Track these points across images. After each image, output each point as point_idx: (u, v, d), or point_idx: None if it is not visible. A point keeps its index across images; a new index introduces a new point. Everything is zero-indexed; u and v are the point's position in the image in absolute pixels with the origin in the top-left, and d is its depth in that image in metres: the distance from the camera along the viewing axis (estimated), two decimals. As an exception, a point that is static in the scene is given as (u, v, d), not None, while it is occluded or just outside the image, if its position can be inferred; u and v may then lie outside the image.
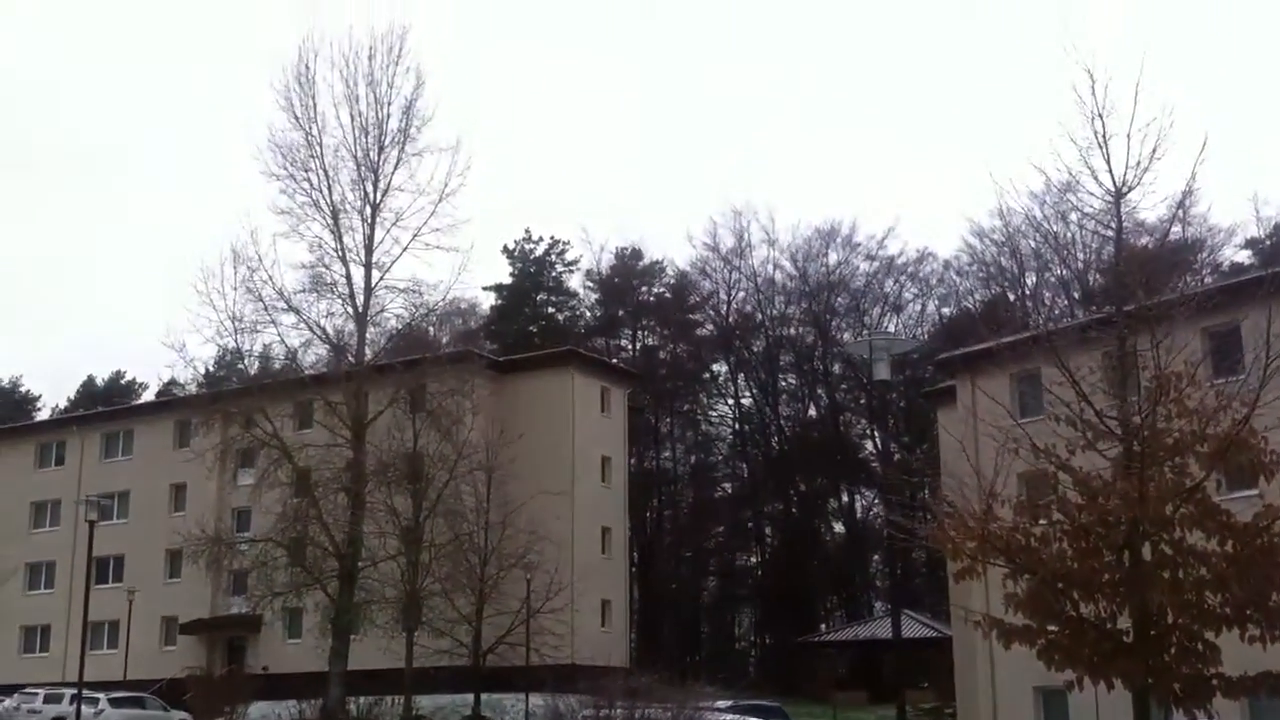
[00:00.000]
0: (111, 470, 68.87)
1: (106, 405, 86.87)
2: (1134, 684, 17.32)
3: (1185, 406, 17.50)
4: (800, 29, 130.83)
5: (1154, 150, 18.50)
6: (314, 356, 50.68)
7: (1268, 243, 66.12)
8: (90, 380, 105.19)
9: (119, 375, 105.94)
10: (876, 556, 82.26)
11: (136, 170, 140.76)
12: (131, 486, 67.57)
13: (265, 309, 46.86)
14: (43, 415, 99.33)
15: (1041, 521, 18.05)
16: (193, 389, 67.24)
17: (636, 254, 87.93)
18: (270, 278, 46.72)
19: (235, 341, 47.72)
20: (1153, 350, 18.05)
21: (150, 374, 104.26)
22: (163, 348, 49.65)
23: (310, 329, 47.87)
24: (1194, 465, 17.33)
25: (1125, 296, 18.94)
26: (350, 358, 48.15)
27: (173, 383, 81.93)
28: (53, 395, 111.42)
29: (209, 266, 46.96)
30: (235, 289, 46.44)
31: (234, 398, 49.35)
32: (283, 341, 48.52)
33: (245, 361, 50.03)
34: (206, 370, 60.34)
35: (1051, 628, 17.70)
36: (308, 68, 48.69)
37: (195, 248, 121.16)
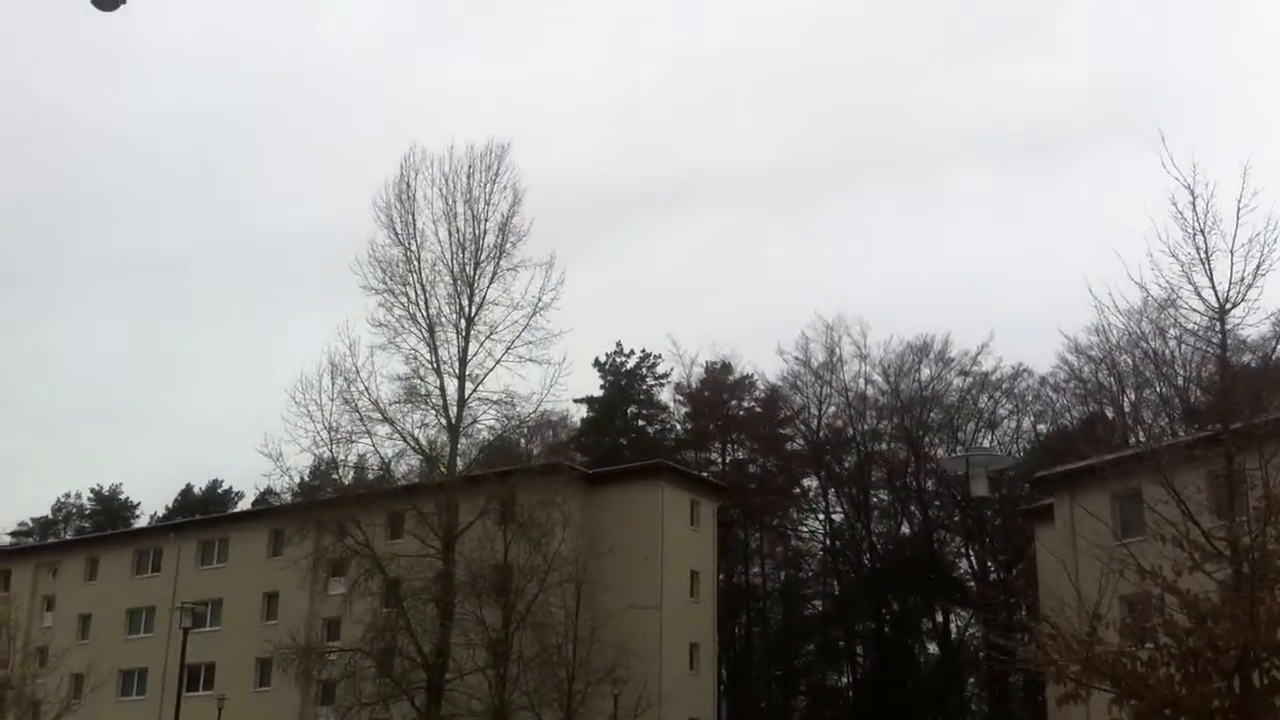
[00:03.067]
0: (206, 578, 69.65)
1: (203, 513, 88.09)
2: (1248, 816, 16.62)
3: (1296, 528, 17.03)
4: (891, 154, 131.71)
5: (1258, 267, 18.28)
6: (406, 467, 51.28)
7: (1376, 361, 64.46)
8: (189, 488, 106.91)
9: (216, 484, 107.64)
10: (972, 679, 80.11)
11: (240, 280, 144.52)
12: (225, 594, 68.21)
13: (361, 419, 47.70)
14: (141, 522, 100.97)
15: (1148, 645, 17.55)
16: (288, 498, 68.17)
17: (726, 368, 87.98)
18: (366, 389, 47.66)
19: (331, 451, 48.55)
20: (1261, 469, 17.62)
21: (247, 483, 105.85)
22: (260, 457, 50.40)
23: (404, 439, 48.56)
24: (1306, 588, 16.80)
25: (1231, 415, 18.57)
26: (442, 468, 48.57)
27: (269, 491, 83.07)
28: (151, 503, 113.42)
29: (307, 377, 47.98)
30: (332, 400, 47.44)
31: (327, 507, 49.91)
32: (377, 452, 49.27)
33: (340, 471, 50.73)
34: (301, 479, 61.14)
35: (1160, 756, 17.10)
36: (409, 185, 50.16)
37: (295, 359, 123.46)
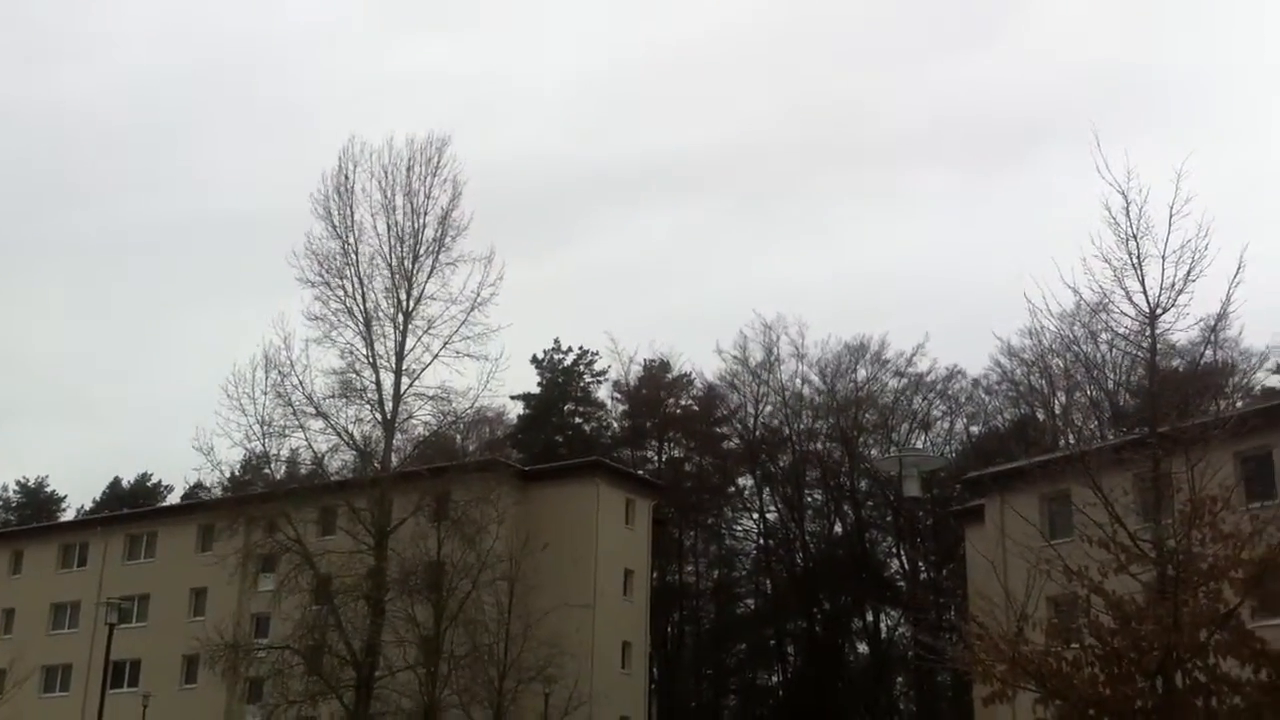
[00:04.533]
0: (133, 573, 68.68)
1: (132, 507, 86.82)
2: (1169, 816, 16.84)
3: (1220, 531, 17.26)
4: (834, 155, 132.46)
5: (1189, 273, 18.50)
6: (340, 462, 50.74)
7: (1300, 368, 65.66)
8: (116, 482, 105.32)
9: (145, 477, 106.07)
10: (901, 678, 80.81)
11: (171, 270, 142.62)
12: (152, 590, 67.31)
13: (294, 414, 47.16)
14: (67, 516, 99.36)
15: (1073, 646, 17.73)
16: (218, 493, 67.34)
17: (665, 366, 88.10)
18: (301, 383, 47.11)
19: (263, 445, 47.93)
20: (1187, 473, 17.86)
21: (177, 477, 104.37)
22: (191, 451, 49.74)
23: (338, 434, 48.05)
24: (1228, 591, 17.04)
25: (1159, 419, 18.79)
26: (376, 464, 48.19)
27: (199, 486, 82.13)
28: (79, 496, 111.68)
29: (241, 370, 47.33)
30: (265, 393, 46.83)
31: (258, 502, 49.34)
32: (310, 447, 48.69)
33: (271, 466, 50.15)
34: (232, 474, 60.42)
35: (1083, 756, 17.27)
36: (347, 178, 49.67)
37: (231, 351, 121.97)
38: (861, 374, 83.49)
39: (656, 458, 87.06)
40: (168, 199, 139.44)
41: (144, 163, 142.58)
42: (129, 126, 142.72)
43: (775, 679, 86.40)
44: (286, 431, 47.69)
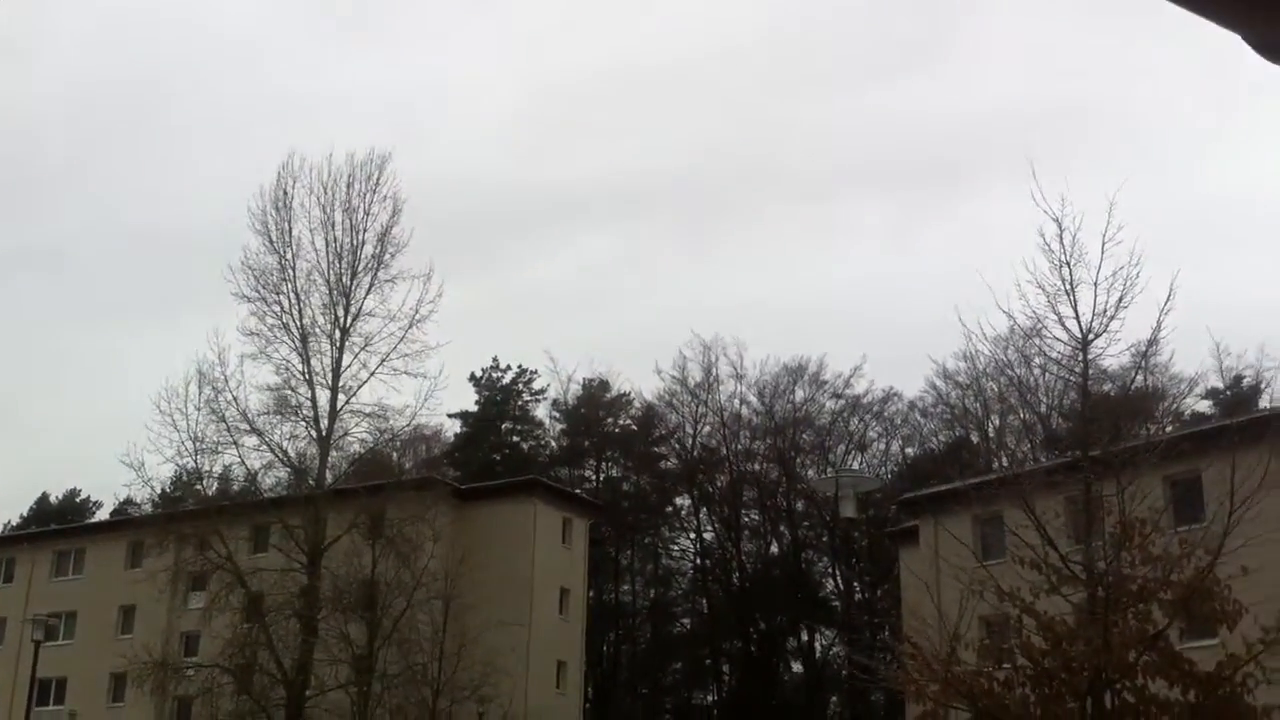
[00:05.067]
0: (60, 589, 67.48)
1: (60, 523, 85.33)
2: (1098, 836, 17.01)
3: (1149, 553, 17.52)
4: (775, 178, 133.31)
5: (1120, 299, 18.78)
6: (274, 479, 50.23)
7: (1228, 393, 66.87)
8: (44, 497, 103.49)
9: (74, 493, 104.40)
10: (835, 698, 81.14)
11: (105, 283, 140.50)
12: (79, 607, 66.19)
13: (228, 430, 46.63)
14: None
15: (1005, 666, 17.90)
16: (148, 509, 66.37)
17: (604, 385, 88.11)
18: (235, 399, 46.59)
19: (195, 462, 47.37)
20: (1118, 496, 18.10)
21: (107, 493, 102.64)
22: (121, 466, 48.96)
23: (272, 451, 47.57)
24: (1157, 613, 17.28)
25: (1090, 442, 19.04)
26: (311, 481, 47.73)
27: (129, 502, 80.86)
28: (5, 511, 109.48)
29: (173, 385, 46.72)
30: (199, 409, 46.25)
31: (189, 519, 48.67)
32: (243, 463, 48.16)
33: (203, 483, 49.57)
34: (163, 490, 59.59)
35: (1015, 776, 17.42)
36: (286, 193, 49.27)
37: (165, 366, 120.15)
38: (799, 395, 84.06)
39: (594, 477, 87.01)
40: (97, 212, 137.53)
41: (72, 174, 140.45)
42: (58, 139, 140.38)
43: (711, 698, 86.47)
44: (219, 448, 47.19)
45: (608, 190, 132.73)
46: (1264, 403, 52.00)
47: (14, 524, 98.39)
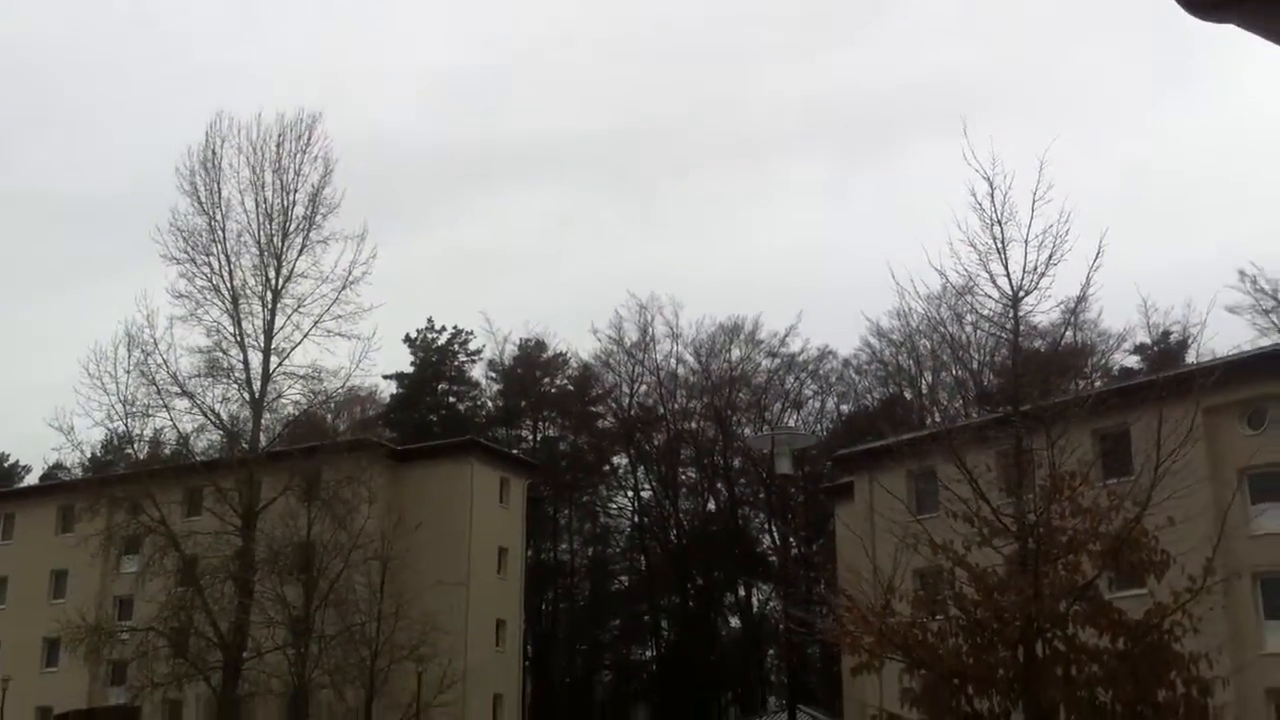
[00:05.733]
0: (-11, 555, 66.79)
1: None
2: (1028, 781, 17.37)
3: (1079, 505, 17.79)
4: (710, 139, 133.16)
5: (1050, 256, 18.98)
6: (206, 442, 49.77)
7: (1156, 349, 68.01)
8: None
9: (2, 458, 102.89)
10: (772, 651, 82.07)
11: (30, 245, 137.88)
12: (10, 572, 65.51)
13: (159, 393, 46.16)
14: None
15: (938, 617, 18.15)
16: (78, 473, 65.51)
17: (540, 345, 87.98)
18: (165, 361, 46.06)
19: (125, 425, 46.80)
20: (1048, 450, 18.35)
21: (36, 457, 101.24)
22: (49, 430, 48.28)
23: (204, 414, 47.16)
24: (1086, 563, 17.57)
25: (1021, 398, 19.28)
26: (244, 444, 47.33)
27: (58, 466, 79.74)
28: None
29: (102, 348, 46.05)
30: (129, 372, 45.70)
31: (121, 483, 48.19)
32: (175, 426, 47.70)
33: (134, 446, 48.98)
34: (93, 454, 58.84)
35: (947, 724, 17.73)
36: (214, 153, 48.57)
37: (89, 329, 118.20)
38: (735, 354, 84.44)
39: (531, 437, 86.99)
40: (12, 175, 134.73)
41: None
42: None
43: (649, 653, 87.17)
44: (150, 411, 46.73)
45: (541, 151, 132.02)
46: (1190, 358, 52.93)
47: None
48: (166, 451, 50.38)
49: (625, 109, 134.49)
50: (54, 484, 70.86)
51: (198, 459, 49.04)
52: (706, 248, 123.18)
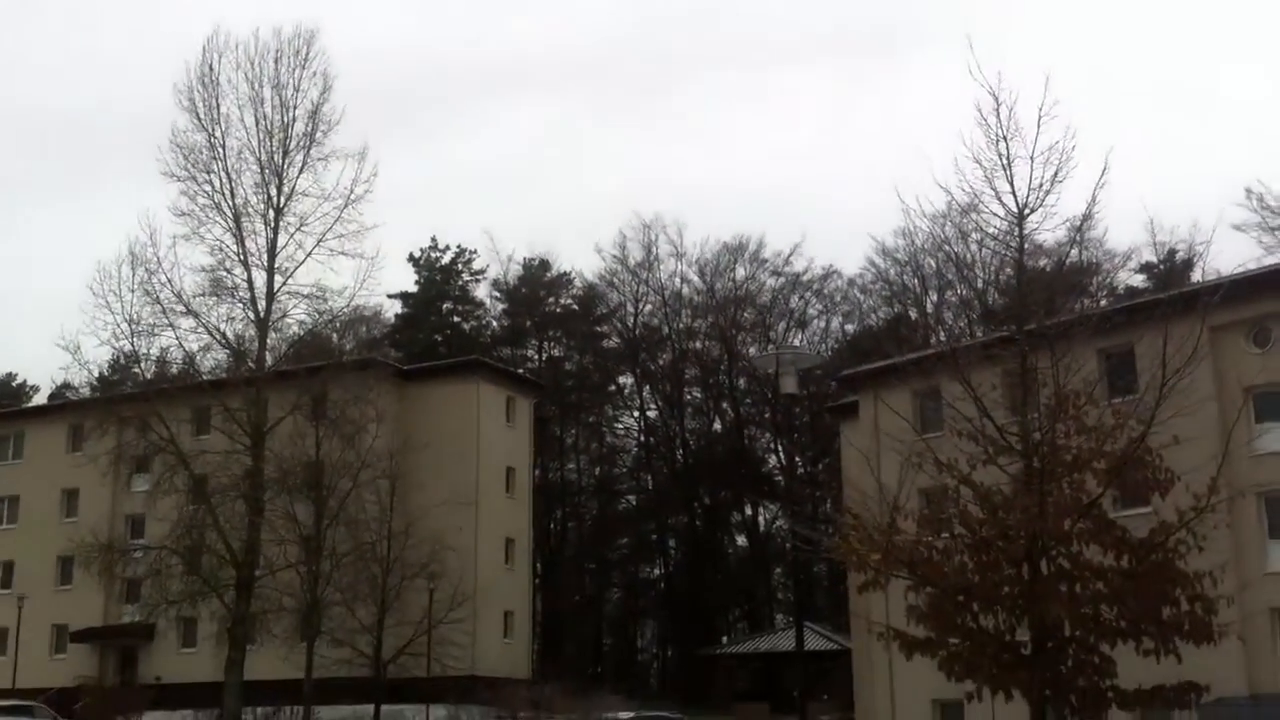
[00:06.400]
0: (1, 474, 67.22)
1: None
2: (1032, 696, 17.58)
3: (1083, 424, 17.83)
4: (713, 53, 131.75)
5: (1055, 174, 18.81)
6: (213, 361, 49.74)
7: (1162, 267, 67.78)
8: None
9: (10, 377, 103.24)
10: (779, 569, 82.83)
11: (32, 167, 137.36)
12: (21, 491, 66.06)
13: (164, 312, 45.96)
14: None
15: (944, 535, 18.27)
16: (86, 392, 65.76)
17: (544, 265, 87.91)
18: (169, 280, 45.86)
19: (132, 345, 46.72)
20: (1052, 368, 18.35)
21: (44, 376, 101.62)
22: (56, 350, 48.24)
23: (209, 333, 47.03)
24: (1091, 482, 17.63)
25: (1026, 316, 19.24)
26: (250, 363, 47.40)
27: (66, 386, 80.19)
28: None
29: (106, 267, 45.95)
30: (133, 291, 45.53)
31: (129, 402, 48.32)
32: (181, 346, 47.58)
33: (141, 365, 49.02)
34: (101, 374, 58.92)
35: (952, 640, 17.90)
36: (211, 68, 48.03)
37: (92, 248, 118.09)
38: (740, 273, 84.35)
39: (537, 356, 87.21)
40: (12, 84, 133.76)
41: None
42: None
43: (657, 572, 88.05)
44: (156, 330, 46.53)
45: (539, 67, 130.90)
46: (1196, 276, 52.72)
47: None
48: (173, 371, 50.42)
49: (627, 19, 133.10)
50: (62, 403, 71.27)
51: (205, 378, 49.14)
52: (709, 165, 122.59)
